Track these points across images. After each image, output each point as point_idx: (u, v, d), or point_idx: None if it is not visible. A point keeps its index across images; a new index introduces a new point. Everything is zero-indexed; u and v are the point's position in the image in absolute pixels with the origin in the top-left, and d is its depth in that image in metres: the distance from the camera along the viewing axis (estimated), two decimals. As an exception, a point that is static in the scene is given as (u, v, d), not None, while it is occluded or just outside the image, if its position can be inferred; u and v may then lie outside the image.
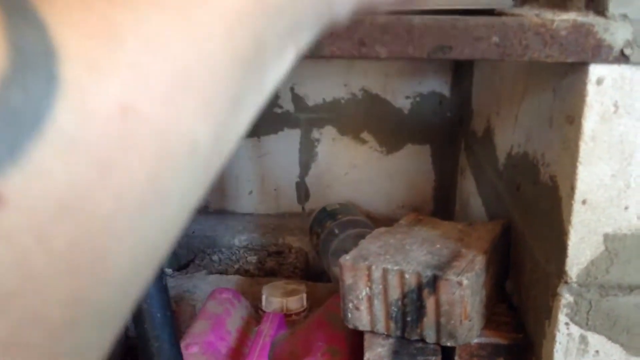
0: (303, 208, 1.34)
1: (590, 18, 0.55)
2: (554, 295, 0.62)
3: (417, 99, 1.26)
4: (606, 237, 0.59)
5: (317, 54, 0.57)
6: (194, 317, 0.86)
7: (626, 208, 0.58)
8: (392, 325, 0.69)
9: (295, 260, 1.21)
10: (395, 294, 0.68)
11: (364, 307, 0.70)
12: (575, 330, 0.62)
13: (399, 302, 0.68)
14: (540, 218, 0.67)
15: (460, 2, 0.73)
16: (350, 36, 0.56)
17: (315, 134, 1.30)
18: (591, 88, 0.56)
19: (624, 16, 0.54)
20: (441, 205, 1.32)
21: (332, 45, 0.57)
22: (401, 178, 1.31)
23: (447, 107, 1.26)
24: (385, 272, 0.68)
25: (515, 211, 0.78)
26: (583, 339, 0.62)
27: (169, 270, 1.14)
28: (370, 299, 0.69)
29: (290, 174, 1.32)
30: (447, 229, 0.79)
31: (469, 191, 1.12)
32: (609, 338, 0.62)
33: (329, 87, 1.27)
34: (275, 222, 1.31)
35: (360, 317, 0.70)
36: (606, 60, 0.54)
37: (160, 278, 0.60)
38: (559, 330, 0.62)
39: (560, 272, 0.61)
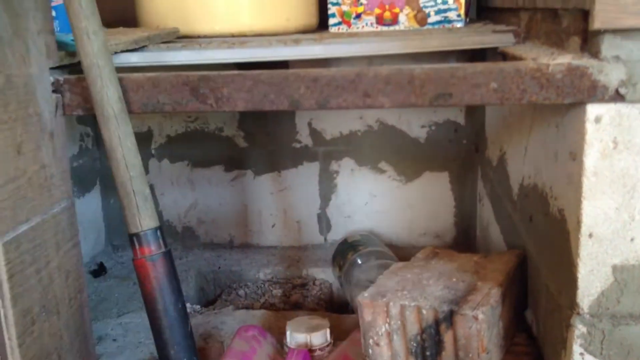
0: (325, 239, 1.37)
1: (585, 61, 0.57)
2: (568, 327, 0.64)
3: (433, 127, 1.29)
4: (614, 268, 0.61)
5: (324, 106, 0.60)
6: (222, 354, 0.89)
7: (632, 239, 0.60)
8: None
9: (319, 292, 1.23)
10: (413, 329, 0.70)
11: (383, 343, 0.72)
12: (591, 360, 0.63)
13: (418, 337, 0.70)
14: (552, 250, 0.69)
15: (464, 43, 0.76)
16: (355, 88, 0.60)
17: (334, 166, 1.33)
18: (590, 126, 0.58)
19: (617, 58, 0.56)
20: (462, 232, 1.33)
21: (339, 98, 0.60)
22: (421, 206, 1.33)
23: (462, 135, 1.28)
24: (402, 308, 0.70)
25: (530, 241, 0.80)
26: (599, 369, 0.63)
27: (197, 307, 1.17)
28: (389, 335, 0.71)
29: (311, 206, 1.35)
30: (463, 261, 0.81)
31: (488, 218, 1.13)
32: (625, 367, 0.63)
33: (345, 120, 1.30)
34: (299, 254, 1.34)
35: (381, 352, 0.72)
36: (602, 100, 0.57)
37: (185, 325, 0.63)
38: (574, 361, 0.63)
39: (572, 304, 0.63)
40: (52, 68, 0.64)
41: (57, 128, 0.64)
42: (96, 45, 0.60)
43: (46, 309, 0.60)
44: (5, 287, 0.54)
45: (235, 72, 0.62)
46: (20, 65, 0.58)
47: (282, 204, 1.36)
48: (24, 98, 0.59)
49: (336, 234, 1.35)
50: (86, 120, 1.31)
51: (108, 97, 0.60)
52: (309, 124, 1.31)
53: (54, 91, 0.64)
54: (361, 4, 1.01)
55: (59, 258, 0.63)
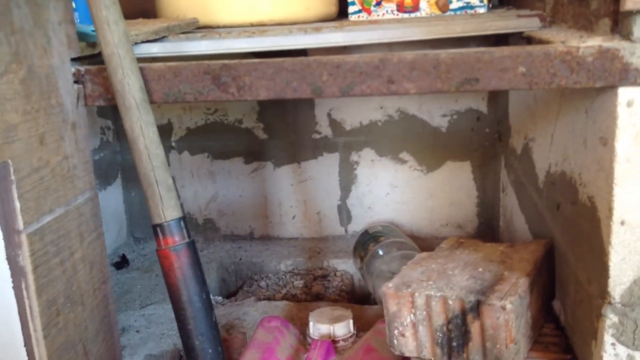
0: (346, 230, 1.36)
1: (616, 43, 0.55)
2: (599, 316, 0.62)
3: (455, 116, 1.27)
4: (648, 256, 0.59)
5: (347, 93, 0.59)
6: (245, 345, 0.89)
7: (666, 227, 0.58)
8: (438, 350, 0.70)
9: (340, 283, 1.22)
10: (439, 319, 0.69)
11: (409, 333, 0.71)
12: (622, 350, 0.61)
13: (444, 328, 0.69)
14: (581, 238, 0.68)
15: (488, 28, 0.75)
16: (379, 74, 0.58)
17: (354, 156, 1.32)
18: (622, 110, 0.56)
19: (650, 39, 0.54)
20: (485, 222, 1.31)
21: (362, 84, 0.59)
22: (443, 196, 1.32)
23: (485, 124, 1.27)
24: (428, 298, 0.69)
25: (557, 230, 0.78)
26: (631, 359, 0.62)
27: (219, 298, 1.17)
28: (415, 326, 0.70)
29: (331, 198, 1.35)
30: (489, 251, 0.80)
31: (512, 208, 1.12)
32: (658, 357, 0.61)
33: (366, 110, 1.29)
34: (320, 246, 1.33)
35: (406, 343, 0.71)
36: (635, 83, 0.55)
37: (210, 315, 0.63)
38: (605, 351, 0.62)
39: (603, 293, 0.61)
40: (73, 59, 0.64)
41: (79, 119, 0.64)
42: (117, 34, 0.60)
43: (71, 299, 0.60)
44: (30, 278, 0.54)
45: (257, 60, 0.61)
46: (42, 56, 0.58)
47: (302, 196, 1.35)
48: (46, 89, 0.59)
49: (357, 225, 1.34)
50: (107, 113, 1.32)
51: (129, 87, 0.60)
52: (329, 115, 1.30)
53: (75, 82, 0.64)
54: (382, -9, 1.00)
55: (83, 249, 0.63)
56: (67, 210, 0.60)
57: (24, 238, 0.54)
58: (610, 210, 0.59)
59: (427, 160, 1.30)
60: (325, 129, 1.31)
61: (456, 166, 1.30)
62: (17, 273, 0.53)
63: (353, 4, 1.02)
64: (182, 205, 1.36)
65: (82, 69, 0.64)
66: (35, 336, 0.55)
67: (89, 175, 0.65)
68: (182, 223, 0.62)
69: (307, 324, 0.91)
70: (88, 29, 0.68)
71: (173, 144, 1.34)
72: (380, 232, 1.18)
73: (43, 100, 0.58)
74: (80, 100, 0.64)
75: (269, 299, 1.18)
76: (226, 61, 0.62)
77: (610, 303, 0.61)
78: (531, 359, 0.70)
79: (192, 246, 0.63)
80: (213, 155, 1.34)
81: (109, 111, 1.32)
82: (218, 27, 0.94)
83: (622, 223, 0.59)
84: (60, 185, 0.60)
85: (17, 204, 0.53)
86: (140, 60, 0.65)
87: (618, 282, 0.60)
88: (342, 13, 1.08)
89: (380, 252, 1.12)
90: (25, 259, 0.53)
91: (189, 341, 0.62)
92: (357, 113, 1.29)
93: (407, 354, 0.72)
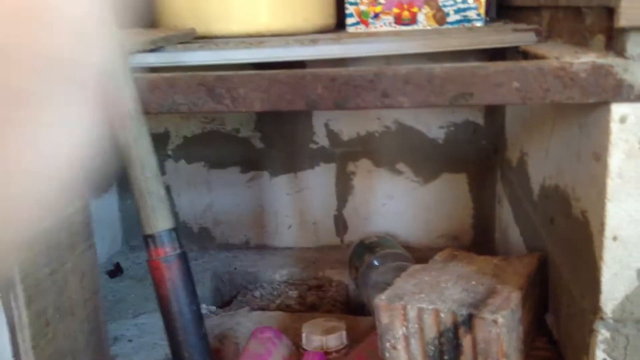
0: (342, 240, 1.36)
1: (610, 59, 0.55)
2: (591, 331, 0.62)
3: (451, 128, 1.27)
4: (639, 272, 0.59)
5: (342, 106, 0.59)
6: (238, 356, 0.89)
7: (658, 243, 0.58)
8: (430, 364, 0.69)
9: (335, 293, 1.22)
10: (431, 333, 0.69)
11: (401, 346, 0.70)
12: (614, 366, 0.61)
13: (436, 341, 0.69)
14: (574, 253, 0.68)
15: (484, 42, 0.75)
16: (374, 88, 0.58)
17: (350, 167, 1.32)
18: (615, 126, 0.56)
19: (643, 56, 0.54)
20: (481, 233, 1.31)
21: (357, 98, 0.59)
22: (439, 207, 1.31)
23: (481, 136, 1.27)
24: (420, 311, 0.69)
25: (551, 244, 0.78)
26: (623, 375, 0.61)
27: (212, 308, 1.17)
28: (407, 339, 0.70)
29: (328, 208, 1.34)
30: (483, 264, 0.80)
31: (507, 220, 1.12)
32: (650, 374, 0.61)
33: (363, 121, 1.29)
34: (315, 256, 1.33)
35: (398, 356, 0.71)
36: (628, 99, 0.55)
37: (200, 327, 0.62)
38: (597, 367, 0.62)
39: (595, 308, 0.61)
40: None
41: (72, 128, 0.64)
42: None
43: (61, 310, 0.59)
44: (19, 288, 0.54)
45: (252, 72, 0.61)
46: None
47: (298, 205, 1.35)
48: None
49: (353, 236, 1.34)
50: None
51: (124, 98, 0.60)
52: (326, 125, 1.30)
53: (69, 91, 0.64)
54: (379, 4, 1.00)
55: (74, 259, 0.62)
56: (58, 220, 0.60)
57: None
58: (602, 225, 0.59)
59: (423, 171, 1.30)
60: (322, 139, 1.31)
61: (452, 178, 1.30)
62: (5, 284, 0.53)
63: (351, 15, 1.02)
64: (177, 214, 1.36)
65: (77, 78, 0.64)
66: (24, 347, 0.54)
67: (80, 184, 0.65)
68: (173, 234, 0.62)
69: (300, 335, 0.91)
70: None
71: (169, 153, 1.34)
72: (376, 243, 1.18)
73: (37, 109, 0.58)
74: (74, 110, 0.63)
75: (263, 309, 1.18)
76: (221, 72, 0.62)
77: (602, 318, 0.61)
78: (523, 374, 0.70)
79: (183, 257, 0.62)
80: (210, 164, 1.34)
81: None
82: (216, 37, 0.95)
83: (615, 239, 0.59)
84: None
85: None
86: (137, 70, 0.65)
87: (610, 297, 0.60)
88: (340, 25, 1.08)
89: (376, 263, 1.12)
90: (14, 269, 0.53)
91: (178, 353, 0.61)
92: (354, 124, 1.29)
93: (399, 367, 0.71)
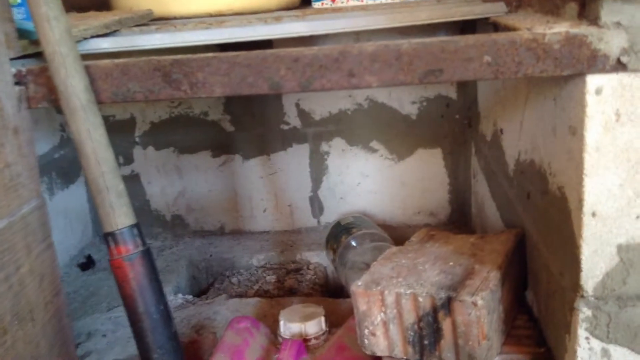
0: (318, 222, 1.34)
1: (583, 28, 0.53)
2: (572, 310, 0.61)
3: (424, 103, 1.25)
4: (620, 248, 0.57)
5: (307, 88, 0.56)
6: (215, 347, 0.86)
7: (638, 217, 0.57)
8: (410, 349, 0.68)
9: (314, 276, 1.20)
10: (410, 317, 0.67)
11: (380, 332, 0.69)
12: (597, 344, 0.60)
13: (415, 326, 0.67)
14: (552, 229, 0.66)
15: (454, 14, 0.72)
16: (339, 67, 0.56)
17: (324, 147, 1.29)
18: (590, 98, 0.54)
19: (618, 24, 0.52)
20: (457, 208, 1.30)
21: (322, 79, 0.56)
22: (414, 184, 1.30)
23: (454, 110, 1.25)
24: (398, 296, 0.67)
25: (528, 219, 0.77)
26: (605, 352, 0.60)
27: (189, 297, 1.14)
28: (385, 324, 0.68)
29: (302, 189, 1.32)
30: (460, 243, 0.78)
31: (483, 195, 1.10)
32: (632, 349, 0.60)
33: (334, 99, 1.26)
34: (292, 238, 1.31)
35: (377, 342, 0.69)
36: (603, 70, 0.53)
37: (169, 326, 0.60)
38: (579, 345, 0.60)
39: (575, 286, 0.60)
40: (13, 59, 0.60)
41: (22, 123, 0.60)
42: (58, 31, 0.56)
43: (19, 316, 0.56)
44: (-30, 297, 0.50)
45: (210, 54, 0.58)
46: (-23, 56, 0.54)
47: (272, 188, 1.33)
48: (-18, 92, 0.55)
49: (329, 216, 1.32)
50: (66, 109, 1.27)
51: (73, 87, 0.56)
52: (297, 105, 1.27)
53: (16, 83, 0.60)
54: (345, -23, 0.97)
55: (31, 261, 0.59)
56: (10, 222, 0.56)
57: (-37, 253, 0.50)
58: (580, 201, 0.57)
59: (397, 148, 1.28)
60: (294, 120, 1.28)
61: (427, 153, 1.28)
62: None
63: (316, -10, 0.99)
64: (148, 202, 1.33)
65: (24, 69, 0.60)
66: (-20, 358, 0.51)
67: (34, 182, 0.61)
68: (135, 230, 0.59)
69: (279, 321, 0.88)
70: (30, 25, 0.64)
71: (137, 139, 1.30)
72: (352, 224, 1.16)
73: (-20, 104, 0.54)
74: (22, 103, 0.60)
75: (240, 295, 1.15)
76: (177, 56, 0.58)
77: (583, 296, 0.59)
78: (505, 354, 0.68)
79: (147, 254, 0.59)
80: (179, 149, 1.30)
81: (69, 107, 1.27)
82: (174, 18, 0.91)
83: (593, 214, 0.57)
84: (2, 196, 0.56)
85: (-46, 218, 0.49)
86: (91, 56, 0.62)
87: (590, 275, 0.58)
88: (305, 0, 1.04)
89: (353, 244, 1.10)
90: (-36, 277, 0.50)
91: (147, 355, 0.59)
92: (326, 102, 1.26)
93: (378, 354, 0.70)
